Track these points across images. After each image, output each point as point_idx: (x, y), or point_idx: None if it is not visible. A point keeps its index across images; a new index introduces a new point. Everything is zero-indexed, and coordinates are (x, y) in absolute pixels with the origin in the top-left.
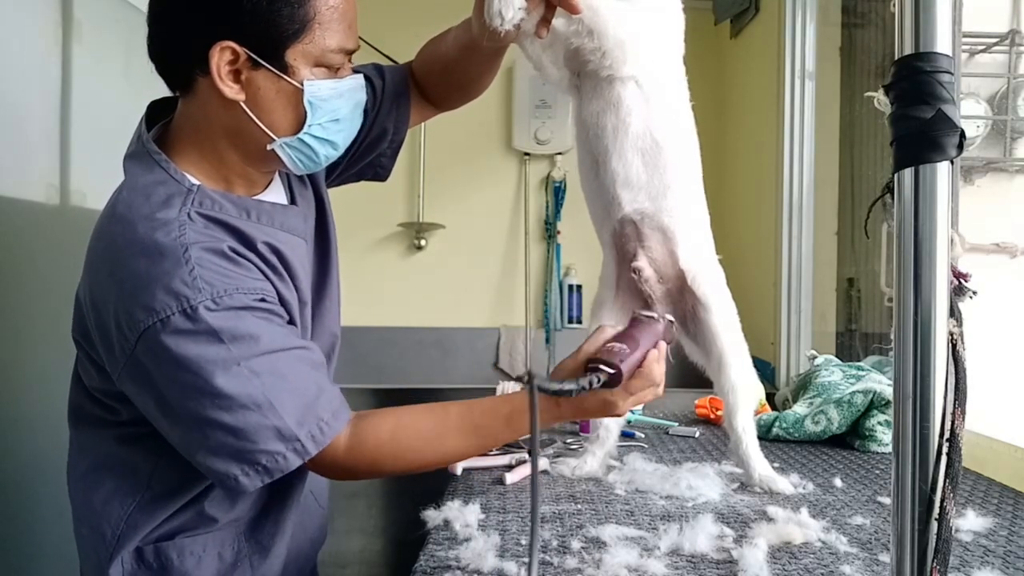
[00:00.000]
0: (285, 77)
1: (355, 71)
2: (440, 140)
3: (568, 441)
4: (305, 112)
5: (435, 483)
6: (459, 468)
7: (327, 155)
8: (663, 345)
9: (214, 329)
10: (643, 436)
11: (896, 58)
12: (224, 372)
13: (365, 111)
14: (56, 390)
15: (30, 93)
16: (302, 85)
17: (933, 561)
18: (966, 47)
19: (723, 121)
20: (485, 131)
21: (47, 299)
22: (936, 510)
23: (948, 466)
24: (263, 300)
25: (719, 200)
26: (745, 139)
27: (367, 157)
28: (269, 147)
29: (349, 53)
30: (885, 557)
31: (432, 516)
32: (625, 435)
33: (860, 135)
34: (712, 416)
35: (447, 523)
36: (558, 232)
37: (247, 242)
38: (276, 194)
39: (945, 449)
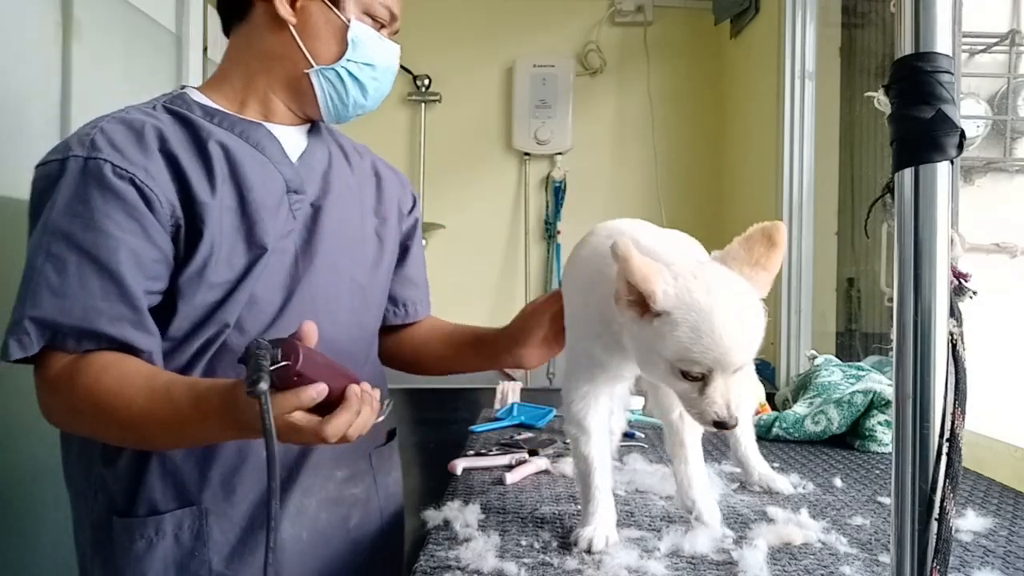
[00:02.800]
0: (336, 10)
1: None
2: (440, 140)
3: (568, 441)
4: (346, 46)
5: (435, 483)
6: (459, 468)
7: (356, 100)
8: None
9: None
10: (643, 436)
11: (896, 58)
12: (39, 234)
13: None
14: None
15: (30, 93)
16: (349, 21)
17: (933, 561)
18: (966, 47)
19: (723, 121)
20: (485, 131)
21: None
22: (936, 510)
23: (948, 466)
24: (132, 181)
25: (719, 200)
26: (745, 139)
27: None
28: (306, 71)
29: (393, 19)
30: (885, 558)
31: (432, 516)
32: (625, 435)
33: (860, 135)
34: None
35: (447, 523)
36: (558, 232)
37: (196, 136)
38: (289, 134)
39: (945, 449)
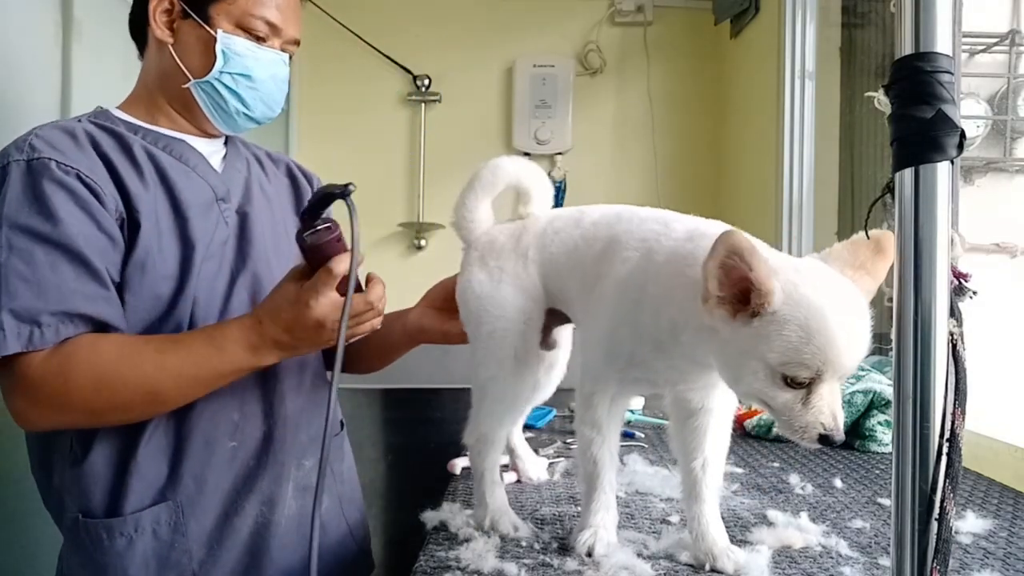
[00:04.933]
0: (205, 26)
1: None
2: (440, 140)
3: (568, 441)
4: (216, 59)
5: (435, 483)
6: (458, 468)
7: (237, 109)
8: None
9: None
10: (643, 436)
11: (896, 58)
12: None
13: None
14: None
15: (30, 93)
16: (216, 34)
17: (933, 562)
18: (966, 47)
19: (723, 121)
20: (485, 131)
21: None
22: (936, 510)
23: (948, 466)
24: (78, 176)
25: (719, 200)
26: (745, 139)
27: None
28: (184, 86)
29: (275, 31)
30: (885, 561)
31: (431, 516)
32: (625, 435)
33: (860, 135)
34: None
35: (446, 523)
36: None
37: (123, 143)
38: (207, 147)
39: (945, 449)
